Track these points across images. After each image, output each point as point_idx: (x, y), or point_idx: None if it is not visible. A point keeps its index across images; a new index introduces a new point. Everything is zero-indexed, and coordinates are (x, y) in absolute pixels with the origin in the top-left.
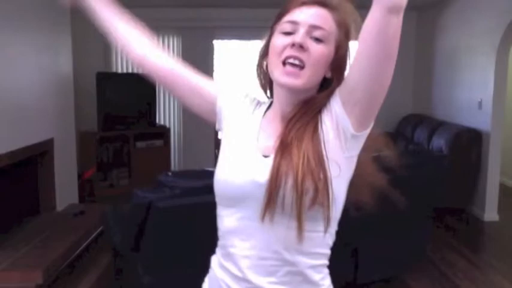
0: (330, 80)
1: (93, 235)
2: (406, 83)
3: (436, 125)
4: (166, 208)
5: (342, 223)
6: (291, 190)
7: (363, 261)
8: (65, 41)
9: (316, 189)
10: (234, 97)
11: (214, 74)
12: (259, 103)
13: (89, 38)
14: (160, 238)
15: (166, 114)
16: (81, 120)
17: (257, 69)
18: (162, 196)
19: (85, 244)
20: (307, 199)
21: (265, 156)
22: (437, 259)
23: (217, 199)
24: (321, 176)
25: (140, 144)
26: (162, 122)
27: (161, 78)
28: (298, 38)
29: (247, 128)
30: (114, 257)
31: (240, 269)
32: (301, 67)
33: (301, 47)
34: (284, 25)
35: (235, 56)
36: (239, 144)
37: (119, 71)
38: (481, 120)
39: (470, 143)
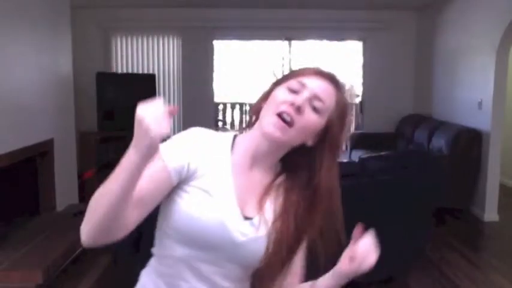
0: (311, 148)
1: None
2: (406, 83)
3: (436, 125)
4: None
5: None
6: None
7: None
8: (65, 41)
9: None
10: (186, 155)
11: (214, 74)
12: (212, 144)
13: (89, 38)
14: None
15: None
16: (81, 120)
17: (252, 109)
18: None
19: None
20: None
21: (247, 218)
22: (437, 259)
23: (174, 233)
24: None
25: None
26: None
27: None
28: (299, 100)
29: (218, 175)
30: (114, 257)
31: None
32: (290, 125)
33: (298, 109)
34: (293, 82)
35: (235, 56)
36: (215, 193)
37: (119, 71)
38: (481, 120)
39: (470, 143)
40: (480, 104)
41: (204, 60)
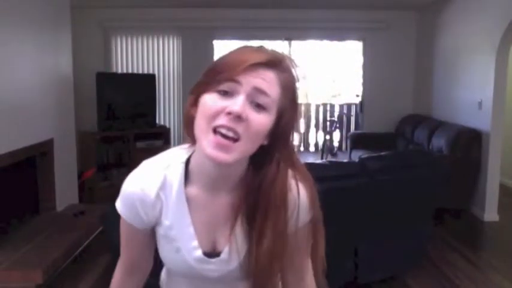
0: (267, 146)
1: (93, 235)
2: (406, 83)
3: (436, 125)
4: None
5: (342, 223)
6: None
7: (363, 261)
8: (65, 41)
9: None
10: (142, 213)
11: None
12: (161, 186)
13: (89, 38)
14: None
15: (166, 114)
16: (81, 120)
17: (184, 121)
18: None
19: (85, 244)
20: None
21: (214, 255)
22: (437, 259)
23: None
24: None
25: (140, 144)
26: (162, 122)
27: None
28: (236, 105)
29: (177, 220)
30: (114, 257)
31: None
32: (235, 139)
33: (238, 117)
34: (221, 81)
35: None
36: (177, 240)
37: (119, 71)
38: (481, 120)
39: (470, 143)
40: (480, 104)
41: (204, 60)
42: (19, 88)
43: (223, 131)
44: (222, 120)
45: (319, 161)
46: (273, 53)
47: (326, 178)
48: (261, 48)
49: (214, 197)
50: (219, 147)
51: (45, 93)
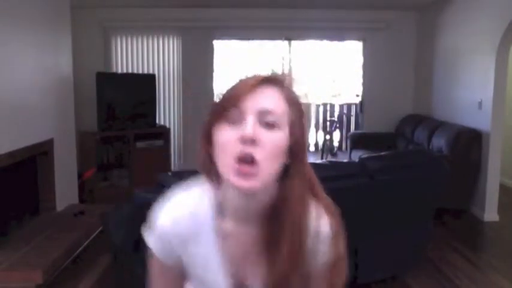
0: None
1: (93, 235)
2: (406, 83)
3: (436, 125)
4: None
5: (342, 223)
6: None
7: (363, 261)
8: (65, 41)
9: None
10: (172, 249)
11: (214, 74)
12: (192, 217)
13: (89, 38)
14: None
15: (166, 114)
16: (81, 120)
17: (202, 162)
18: (162, 196)
19: (85, 244)
20: None
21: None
22: (437, 259)
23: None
24: None
25: (140, 144)
26: (162, 122)
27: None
28: (247, 129)
29: (206, 253)
30: (114, 257)
31: None
32: (255, 164)
33: (252, 142)
34: (228, 111)
35: (235, 56)
36: (206, 274)
37: (119, 71)
38: (481, 120)
39: (470, 143)
40: (480, 104)
41: (204, 60)
42: (19, 88)
43: (241, 158)
44: (237, 148)
45: (319, 161)
46: (272, 72)
47: (326, 178)
48: (259, 72)
49: (243, 230)
50: (242, 175)
51: (45, 93)
